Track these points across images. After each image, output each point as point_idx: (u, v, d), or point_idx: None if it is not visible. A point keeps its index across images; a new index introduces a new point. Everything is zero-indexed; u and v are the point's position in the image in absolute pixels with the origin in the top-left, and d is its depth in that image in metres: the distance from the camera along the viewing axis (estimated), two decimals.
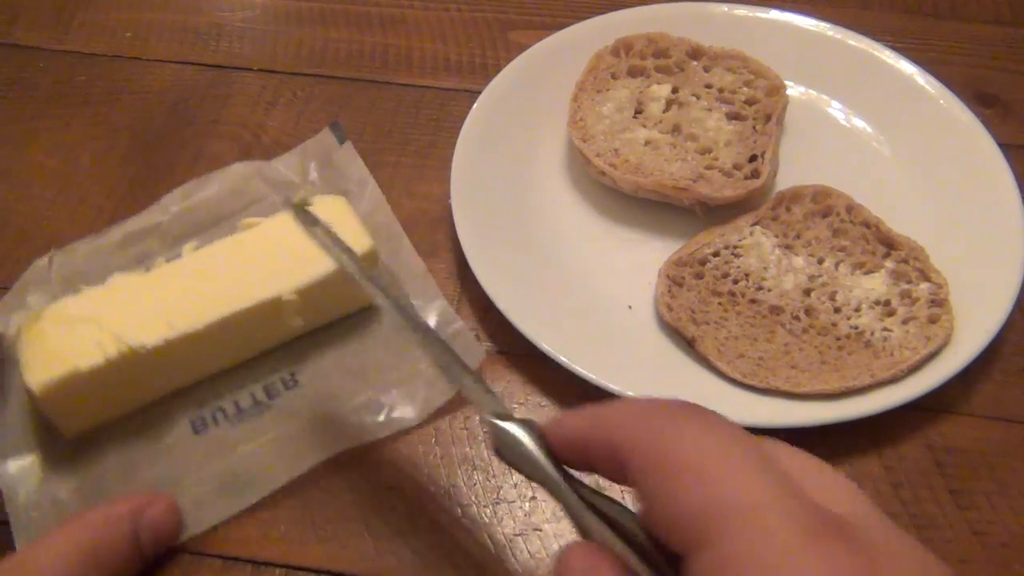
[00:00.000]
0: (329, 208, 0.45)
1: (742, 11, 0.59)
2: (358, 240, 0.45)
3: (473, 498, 0.43)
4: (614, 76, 0.55)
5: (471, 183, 0.51)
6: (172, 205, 0.50)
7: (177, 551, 0.41)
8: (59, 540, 0.37)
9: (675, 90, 0.55)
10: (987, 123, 0.53)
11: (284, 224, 0.45)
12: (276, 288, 0.43)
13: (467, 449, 0.44)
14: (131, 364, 0.41)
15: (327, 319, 0.47)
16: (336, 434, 0.43)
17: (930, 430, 0.45)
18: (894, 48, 0.57)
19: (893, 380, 0.44)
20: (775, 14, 0.59)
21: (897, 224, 0.49)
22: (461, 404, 0.45)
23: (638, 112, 0.54)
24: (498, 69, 0.56)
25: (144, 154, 0.56)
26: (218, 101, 0.59)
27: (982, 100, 0.58)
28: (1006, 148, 0.52)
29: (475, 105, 0.54)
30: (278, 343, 0.46)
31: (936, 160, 0.53)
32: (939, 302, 0.46)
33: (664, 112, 0.54)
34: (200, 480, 0.42)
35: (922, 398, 0.43)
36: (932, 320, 0.45)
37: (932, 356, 0.44)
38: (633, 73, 0.56)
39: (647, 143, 0.52)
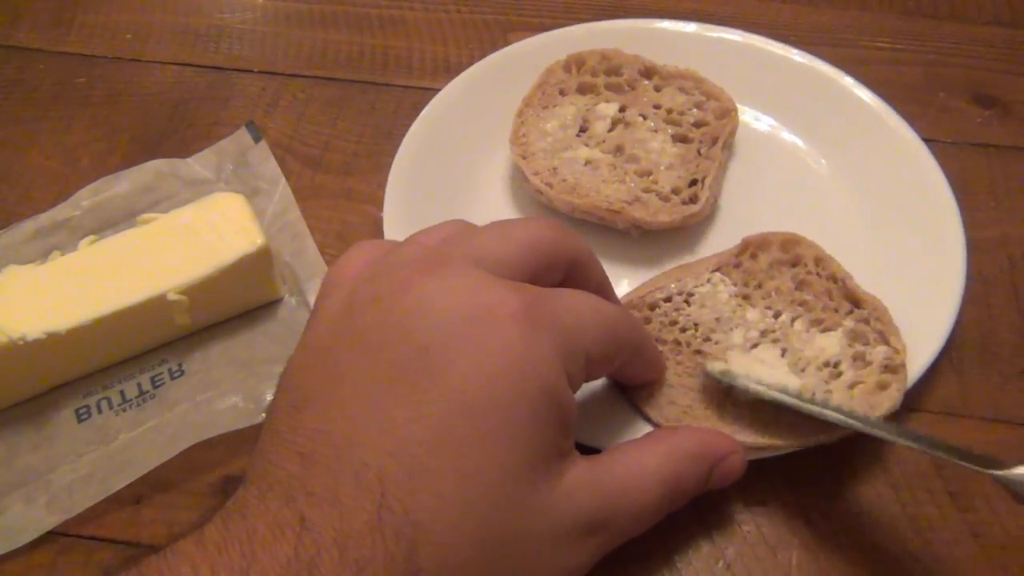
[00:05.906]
0: (227, 205, 0.46)
1: (698, 30, 0.57)
2: (250, 238, 0.45)
3: None
4: (563, 92, 0.54)
5: (407, 197, 0.50)
6: (83, 200, 0.51)
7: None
8: None
9: (623, 109, 0.53)
10: (986, 124, 0.53)
11: (180, 220, 0.46)
12: (163, 285, 0.44)
13: None
14: (12, 355, 0.42)
15: (219, 317, 0.47)
16: (210, 421, 0.43)
17: (929, 432, 0.45)
18: (894, 50, 0.57)
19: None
20: (736, 35, 0.57)
21: (841, 254, 0.46)
22: None
23: (583, 130, 0.52)
24: None
25: (144, 156, 0.56)
26: (218, 103, 0.59)
27: (981, 101, 0.58)
28: (1006, 150, 0.52)
29: (416, 121, 0.53)
30: (166, 340, 0.46)
31: (889, 197, 0.50)
32: (892, 368, 0.42)
33: (609, 131, 0.52)
34: (76, 467, 0.43)
35: (921, 399, 0.43)
36: (881, 387, 0.42)
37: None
38: (583, 90, 0.54)
39: (587, 163, 0.51)
